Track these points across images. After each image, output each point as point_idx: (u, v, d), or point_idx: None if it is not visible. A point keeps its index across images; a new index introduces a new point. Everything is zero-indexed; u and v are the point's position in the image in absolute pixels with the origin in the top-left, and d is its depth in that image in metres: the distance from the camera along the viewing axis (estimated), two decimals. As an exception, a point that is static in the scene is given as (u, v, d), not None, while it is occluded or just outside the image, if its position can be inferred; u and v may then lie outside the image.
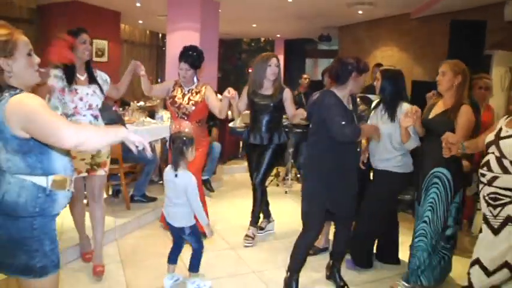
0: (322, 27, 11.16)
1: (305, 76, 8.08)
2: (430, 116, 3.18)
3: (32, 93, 1.85)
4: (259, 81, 3.97)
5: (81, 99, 3.20)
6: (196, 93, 3.97)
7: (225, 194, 5.73)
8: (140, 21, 11.57)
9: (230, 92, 3.55)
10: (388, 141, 3.35)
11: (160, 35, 13.66)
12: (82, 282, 3.26)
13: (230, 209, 5.08)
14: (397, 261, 3.77)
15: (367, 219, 3.48)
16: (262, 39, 15.12)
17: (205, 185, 5.49)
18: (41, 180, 1.84)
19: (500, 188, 2.66)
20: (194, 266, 3.14)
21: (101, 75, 3.41)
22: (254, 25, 11.52)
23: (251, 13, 9.57)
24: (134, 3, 8.63)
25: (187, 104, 3.94)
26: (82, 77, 3.26)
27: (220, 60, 14.80)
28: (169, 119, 4.24)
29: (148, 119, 5.76)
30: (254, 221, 4.17)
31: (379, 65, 6.38)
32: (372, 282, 3.47)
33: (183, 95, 3.98)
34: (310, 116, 3.18)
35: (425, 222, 3.12)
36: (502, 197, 2.66)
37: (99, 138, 1.84)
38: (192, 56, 3.94)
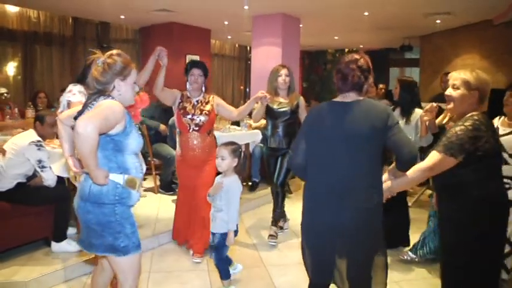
0: (403, 37, 11.22)
1: (381, 86, 8.31)
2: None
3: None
4: (275, 90, 4.33)
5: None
6: (206, 103, 3.96)
7: (300, 197, 6.06)
8: (229, 37, 12.24)
9: (263, 92, 3.82)
10: None
11: (248, 48, 14.19)
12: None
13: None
14: (407, 242, 4.08)
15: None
16: (346, 49, 15.37)
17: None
18: (118, 178, 2.17)
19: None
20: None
21: None
22: (336, 37, 11.81)
23: (330, 26, 9.88)
24: (222, 22, 9.32)
25: (200, 114, 3.88)
26: None
27: (306, 71, 15.27)
28: (178, 134, 4.05)
29: (233, 126, 6.30)
30: (276, 221, 4.49)
31: (447, 73, 6.50)
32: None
33: (193, 107, 3.92)
34: None
35: None
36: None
37: (89, 150, 1.97)
38: (203, 64, 4.01)
